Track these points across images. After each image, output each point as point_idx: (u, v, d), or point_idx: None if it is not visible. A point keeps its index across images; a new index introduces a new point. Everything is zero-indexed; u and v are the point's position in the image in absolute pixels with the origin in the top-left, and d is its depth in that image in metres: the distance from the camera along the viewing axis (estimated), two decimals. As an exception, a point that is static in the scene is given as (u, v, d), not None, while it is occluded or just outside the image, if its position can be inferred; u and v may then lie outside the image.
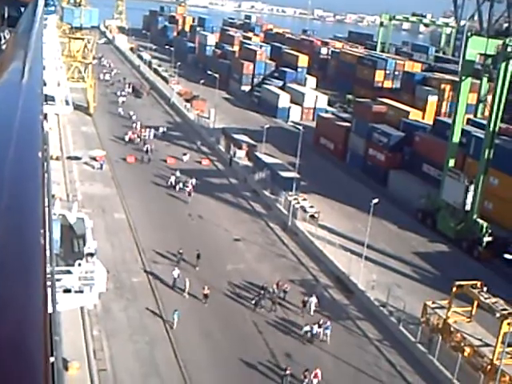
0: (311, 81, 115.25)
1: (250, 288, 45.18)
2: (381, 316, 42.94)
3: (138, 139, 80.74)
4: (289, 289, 44.29)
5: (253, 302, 42.73)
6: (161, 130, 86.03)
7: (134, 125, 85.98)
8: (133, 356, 36.32)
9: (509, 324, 34.63)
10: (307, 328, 39.36)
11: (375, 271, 48.42)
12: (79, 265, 30.09)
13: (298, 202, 59.58)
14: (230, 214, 60.63)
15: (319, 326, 39.62)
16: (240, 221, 59.00)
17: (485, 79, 71.57)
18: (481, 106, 74.82)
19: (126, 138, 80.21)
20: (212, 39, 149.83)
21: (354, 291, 46.16)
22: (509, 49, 52.20)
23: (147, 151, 74.67)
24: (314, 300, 42.57)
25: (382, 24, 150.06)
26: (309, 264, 50.74)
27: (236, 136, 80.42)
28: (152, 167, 70.45)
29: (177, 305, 41.47)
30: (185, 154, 75.80)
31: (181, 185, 64.15)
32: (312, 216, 57.93)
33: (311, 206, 59.59)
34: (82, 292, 30.15)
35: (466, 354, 36.97)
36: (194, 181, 64.64)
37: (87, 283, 30.25)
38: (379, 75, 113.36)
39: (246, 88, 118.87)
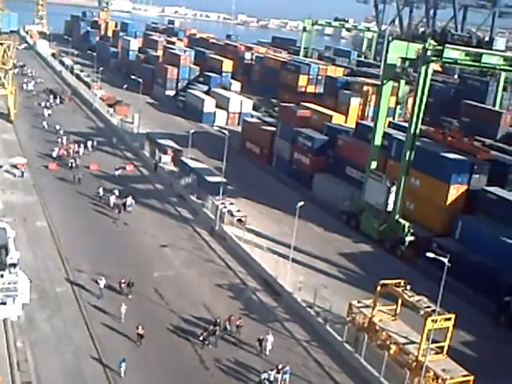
0: (236, 85, 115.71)
1: (195, 322, 41.47)
2: (308, 317, 43.32)
3: (67, 155, 74.80)
4: (242, 323, 40.91)
5: (200, 338, 39.13)
6: (90, 143, 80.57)
7: (61, 140, 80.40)
8: (58, 367, 35.38)
9: (433, 321, 35.49)
10: (265, 375, 35.85)
11: (302, 273, 48.88)
12: (1, 276, 29.10)
13: (225, 207, 59.54)
14: (157, 219, 60.00)
15: (278, 372, 36.14)
16: (167, 226, 58.46)
17: (403, 82, 73.44)
18: (399, 108, 76.74)
19: (54, 154, 74.53)
20: (135, 44, 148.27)
21: (282, 293, 46.43)
22: (428, 53, 53.61)
23: (71, 166, 70.92)
24: (270, 338, 38.79)
25: (304, 29, 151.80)
26: (237, 268, 50.73)
27: (161, 141, 79.74)
28: (76, 173, 68.76)
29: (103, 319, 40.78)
30: (117, 169, 71.62)
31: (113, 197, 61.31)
32: (239, 220, 57.99)
33: (238, 210, 59.67)
34: (4, 304, 29.17)
35: (391, 351, 37.69)
36: (130, 200, 60.81)
37: (10, 294, 29.29)
38: (303, 80, 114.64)
39: (171, 93, 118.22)
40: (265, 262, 49.94)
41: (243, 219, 58.29)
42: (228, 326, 40.69)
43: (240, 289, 47.41)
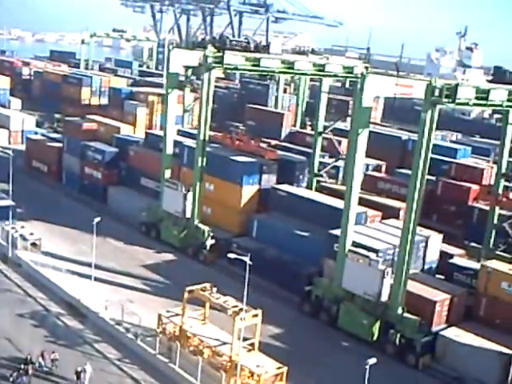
0: (16, 103, 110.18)
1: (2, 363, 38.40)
2: (118, 334, 42.38)
3: None
4: (57, 356, 38.42)
5: (11, 379, 36.10)
6: None
7: None
8: None
9: (241, 319, 36.33)
10: None
11: (107, 290, 47.80)
12: None
13: (17, 231, 56.29)
14: None
15: None
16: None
17: (188, 90, 74.61)
18: (187, 115, 77.78)
19: None
20: None
21: (88, 314, 44.94)
22: (209, 60, 54.76)
23: None
24: (89, 369, 36.79)
25: (83, 41, 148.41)
26: (37, 294, 48.11)
27: None
28: None
29: None
30: None
31: None
32: (33, 244, 55.17)
33: (31, 234, 56.64)
34: None
35: (205, 355, 38.03)
36: None
37: None
38: (85, 93, 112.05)
39: None
40: (66, 285, 47.99)
41: (37, 242, 55.55)
42: (42, 361, 38.12)
43: (43, 316, 45.11)
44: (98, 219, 45.48)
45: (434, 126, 41.22)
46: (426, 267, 49.86)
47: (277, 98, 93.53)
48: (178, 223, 59.55)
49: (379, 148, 62.29)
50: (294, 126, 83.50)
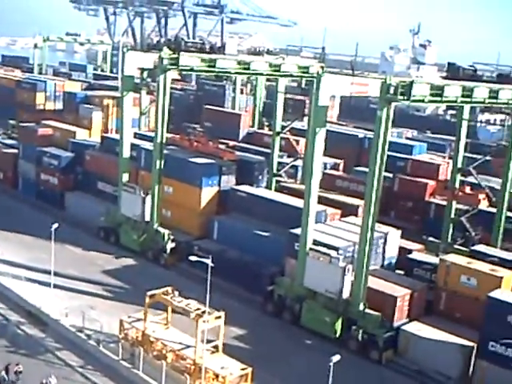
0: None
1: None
2: (80, 342, 41.85)
3: None
4: (21, 369, 37.15)
5: None
6: None
7: None
8: None
9: (204, 322, 36.19)
10: None
11: (67, 298, 47.22)
12: None
13: (-28, 240, 55.24)
14: None
15: None
16: None
17: (144, 92, 74.08)
18: (144, 118, 77.24)
19: None
20: None
21: (48, 322, 44.25)
22: (165, 61, 54.43)
23: None
24: (53, 381, 36.13)
25: (36, 46, 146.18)
26: (-5, 304, 47.30)
27: None
28: None
29: None
30: None
31: None
32: (-10, 252, 54.17)
33: (-13, 242, 55.69)
34: None
35: (169, 360, 37.77)
36: None
37: None
38: (40, 98, 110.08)
39: None
40: (25, 293, 47.17)
41: (-6, 251, 54.57)
42: (5, 376, 36.93)
43: (2, 325, 44.26)
44: (55, 225, 44.83)
45: (390, 123, 41.69)
46: (385, 263, 50.44)
47: (234, 98, 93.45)
48: (137, 227, 59.06)
49: (336, 147, 62.78)
50: (252, 126, 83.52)
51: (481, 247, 49.48)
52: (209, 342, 36.89)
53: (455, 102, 46.67)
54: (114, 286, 51.76)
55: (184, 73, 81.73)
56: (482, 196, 55.86)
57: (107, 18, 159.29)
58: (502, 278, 42.44)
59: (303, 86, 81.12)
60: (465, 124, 55.88)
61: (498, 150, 61.39)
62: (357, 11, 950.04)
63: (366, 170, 44.32)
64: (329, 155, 59.40)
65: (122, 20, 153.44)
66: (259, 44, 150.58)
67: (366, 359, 42.62)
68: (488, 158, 58.98)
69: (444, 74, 54.56)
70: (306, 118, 65.80)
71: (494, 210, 54.86)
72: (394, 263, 51.20)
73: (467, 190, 56.79)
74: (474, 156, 58.95)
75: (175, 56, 54.64)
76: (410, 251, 51.27)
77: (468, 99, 46.90)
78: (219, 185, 60.10)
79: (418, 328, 42.91)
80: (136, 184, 60.94)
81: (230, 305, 44.09)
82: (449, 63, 55.13)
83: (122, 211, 60.26)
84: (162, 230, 57.33)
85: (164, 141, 57.06)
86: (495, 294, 39.93)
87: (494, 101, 49.02)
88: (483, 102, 49.19)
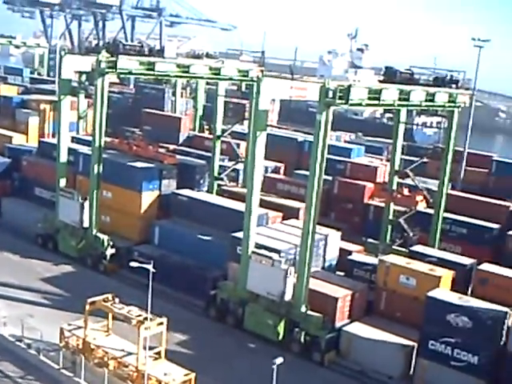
0: None
1: None
2: (19, 351, 40.89)
3: None
4: None
5: None
6: None
7: None
8: None
9: (146, 329, 35.82)
10: None
11: (5, 306, 46.10)
12: None
13: None
14: None
15: None
16: None
17: (82, 96, 72.97)
18: (82, 122, 76.05)
19: None
20: None
21: (-15, 332, 43.10)
22: (102, 65, 53.69)
23: None
24: None
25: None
26: None
27: None
28: None
29: None
30: None
31: None
32: None
33: None
34: None
35: (111, 367, 37.25)
36: None
37: None
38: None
39: None
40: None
41: None
42: None
43: None
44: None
45: (329, 126, 42.14)
46: (326, 265, 50.90)
47: (173, 102, 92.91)
48: (75, 233, 58.04)
49: (277, 150, 62.96)
50: (193, 130, 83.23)
51: (419, 248, 50.52)
52: (151, 348, 36.52)
53: (392, 105, 47.55)
54: (54, 294, 50.71)
55: (122, 76, 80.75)
56: (419, 197, 56.98)
57: (44, 21, 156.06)
58: (440, 277, 43.45)
59: (243, 89, 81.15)
60: (402, 127, 56.90)
61: (434, 152, 62.82)
62: (297, 15, 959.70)
63: (307, 172, 44.69)
64: (269, 159, 59.57)
65: (59, 23, 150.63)
66: (199, 47, 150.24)
67: (308, 361, 42.91)
68: (425, 160, 60.21)
69: (381, 78, 55.39)
70: (246, 122, 65.85)
71: (431, 211, 56.03)
72: (335, 265, 51.76)
73: (405, 191, 57.88)
74: (411, 158, 60.04)
75: (113, 59, 53.92)
76: (350, 252, 51.90)
77: (405, 102, 47.92)
78: (160, 189, 59.57)
79: (359, 328, 43.46)
80: (74, 189, 59.88)
81: (173, 310, 43.85)
82: (386, 67, 56.01)
83: (60, 217, 59.14)
84: (101, 235, 56.47)
85: (102, 145, 56.23)
86: (434, 293, 40.80)
87: (431, 104, 50.25)
88: (420, 105, 50.32)
